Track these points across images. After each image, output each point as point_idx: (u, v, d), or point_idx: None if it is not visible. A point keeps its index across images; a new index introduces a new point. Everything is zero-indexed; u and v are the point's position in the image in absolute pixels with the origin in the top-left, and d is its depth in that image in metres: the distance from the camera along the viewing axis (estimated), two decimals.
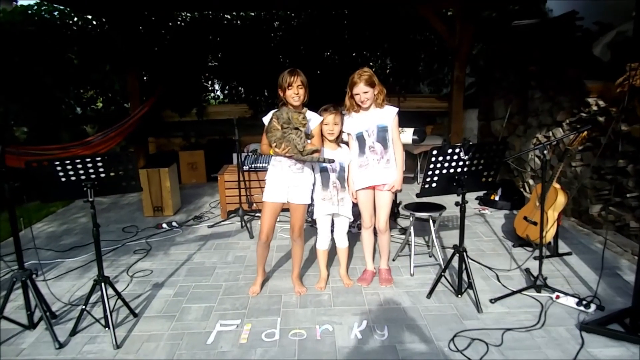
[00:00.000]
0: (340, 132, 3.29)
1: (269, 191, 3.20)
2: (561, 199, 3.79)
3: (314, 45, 8.03)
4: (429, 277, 3.60)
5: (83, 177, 2.74)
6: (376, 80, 3.19)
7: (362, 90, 3.16)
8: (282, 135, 2.96)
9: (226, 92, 8.52)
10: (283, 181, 3.16)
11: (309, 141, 3.05)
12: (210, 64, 8.13)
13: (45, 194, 2.80)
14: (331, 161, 3.16)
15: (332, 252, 3.65)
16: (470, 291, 3.18)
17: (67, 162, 2.68)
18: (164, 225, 4.97)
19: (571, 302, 3.07)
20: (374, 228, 3.49)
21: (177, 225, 5.00)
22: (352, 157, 3.34)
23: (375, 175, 3.30)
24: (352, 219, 3.47)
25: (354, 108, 3.26)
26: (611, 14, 4.98)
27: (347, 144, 3.38)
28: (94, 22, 7.46)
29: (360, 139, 3.27)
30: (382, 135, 3.25)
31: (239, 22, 7.95)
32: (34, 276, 2.93)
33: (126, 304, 3.09)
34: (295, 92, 3.01)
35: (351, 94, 3.22)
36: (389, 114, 3.26)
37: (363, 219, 3.46)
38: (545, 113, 5.37)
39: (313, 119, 3.13)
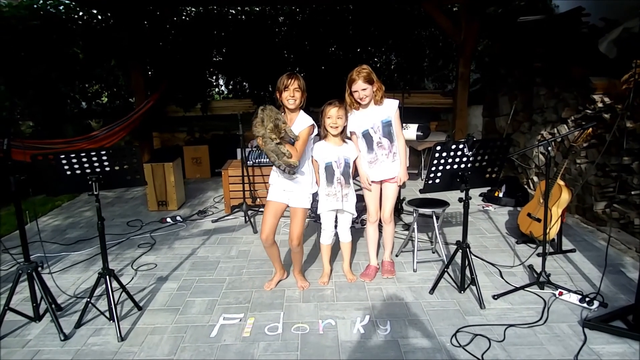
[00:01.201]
0: (345, 127, 3.28)
1: (270, 190, 3.23)
2: (565, 196, 3.78)
3: (319, 40, 8.02)
4: (432, 273, 3.60)
5: (88, 171, 2.76)
6: (375, 77, 3.19)
7: (360, 88, 3.16)
8: (263, 135, 2.90)
9: (230, 87, 8.54)
10: (280, 184, 3.18)
11: (284, 151, 2.93)
12: (214, 59, 8.14)
13: (51, 187, 2.82)
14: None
15: (336, 247, 3.66)
16: (473, 287, 3.19)
17: (73, 155, 2.70)
18: (168, 220, 5.00)
19: (574, 298, 3.07)
20: (379, 223, 3.50)
21: (181, 220, 5.02)
22: (360, 154, 3.35)
23: (384, 170, 3.34)
24: (355, 214, 3.47)
25: (354, 105, 3.27)
26: (617, 10, 4.95)
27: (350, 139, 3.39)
28: (99, 17, 7.48)
29: (367, 136, 3.29)
30: (388, 130, 3.26)
31: (243, 17, 7.94)
32: (39, 269, 2.96)
33: (130, 297, 3.12)
34: (290, 95, 2.99)
35: (350, 91, 3.23)
36: (391, 108, 3.27)
37: (369, 212, 3.46)
38: (550, 110, 5.35)
39: (304, 121, 3.07)
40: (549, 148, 3.11)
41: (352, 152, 3.32)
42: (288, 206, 3.22)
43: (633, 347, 2.59)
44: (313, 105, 3.50)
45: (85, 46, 7.30)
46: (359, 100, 3.21)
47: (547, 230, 3.34)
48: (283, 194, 3.18)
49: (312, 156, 3.27)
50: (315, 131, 3.15)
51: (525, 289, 3.26)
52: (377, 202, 3.44)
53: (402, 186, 3.48)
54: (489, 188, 5.48)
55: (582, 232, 4.41)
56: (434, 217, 3.77)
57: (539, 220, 3.87)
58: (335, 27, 7.94)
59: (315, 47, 8.04)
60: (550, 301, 3.10)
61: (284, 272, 3.54)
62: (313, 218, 4.91)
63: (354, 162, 3.36)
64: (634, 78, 3.76)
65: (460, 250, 3.20)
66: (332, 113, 3.19)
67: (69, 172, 2.74)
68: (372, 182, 3.37)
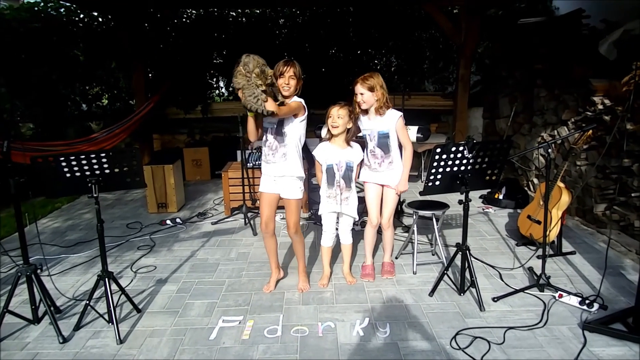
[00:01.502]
0: (348, 129, 3.26)
1: (262, 181, 3.25)
2: (565, 198, 3.77)
3: (319, 42, 8.02)
4: (432, 275, 3.60)
5: (88, 173, 2.76)
6: (378, 87, 3.17)
7: (358, 91, 3.18)
8: (243, 86, 2.81)
9: (231, 89, 8.53)
10: (270, 173, 3.19)
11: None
12: (215, 61, 8.14)
13: (51, 189, 2.82)
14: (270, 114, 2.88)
15: (336, 250, 3.65)
16: (473, 289, 3.18)
17: (72, 158, 2.70)
18: (168, 222, 5.00)
19: (574, 301, 3.07)
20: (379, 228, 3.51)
21: (180, 222, 5.02)
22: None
23: (377, 177, 3.38)
24: (356, 218, 3.46)
25: (357, 109, 3.27)
26: (618, 12, 4.95)
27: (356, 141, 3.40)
28: (100, 19, 7.49)
29: (365, 140, 3.34)
30: (383, 142, 3.28)
31: (244, 19, 7.95)
32: (38, 271, 2.95)
33: (130, 299, 3.11)
34: (285, 82, 2.98)
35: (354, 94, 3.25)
36: (391, 120, 3.24)
37: (370, 217, 3.45)
38: (550, 112, 5.34)
39: (295, 100, 3.06)
40: (549, 150, 3.11)
41: (356, 155, 3.32)
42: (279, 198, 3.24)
43: (633, 350, 2.58)
44: (315, 108, 3.50)
45: (85, 48, 7.31)
46: (357, 103, 3.23)
47: (547, 233, 3.34)
48: (274, 184, 3.19)
49: (314, 156, 3.31)
50: (305, 114, 3.12)
51: (525, 291, 3.26)
52: (377, 207, 3.43)
53: (403, 191, 3.48)
54: (489, 190, 5.48)
55: (582, 234, 4.40)
56: (434, 219, 3.76)
57: (539, 222, 3.86)
58: (335, 29, 7.94)
59: (316, 49, 8.04)
60: (550, 303, 3.09)
61: (280, 271, 3.54)
62: (313, 220, 4.91)
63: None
64: (634, 80, 3.75)
65: (460, 253, 3.19)
66: (333, 112, 3.20)
67: (68, 175, 2.73)
68: (375, 183, 3.39)
